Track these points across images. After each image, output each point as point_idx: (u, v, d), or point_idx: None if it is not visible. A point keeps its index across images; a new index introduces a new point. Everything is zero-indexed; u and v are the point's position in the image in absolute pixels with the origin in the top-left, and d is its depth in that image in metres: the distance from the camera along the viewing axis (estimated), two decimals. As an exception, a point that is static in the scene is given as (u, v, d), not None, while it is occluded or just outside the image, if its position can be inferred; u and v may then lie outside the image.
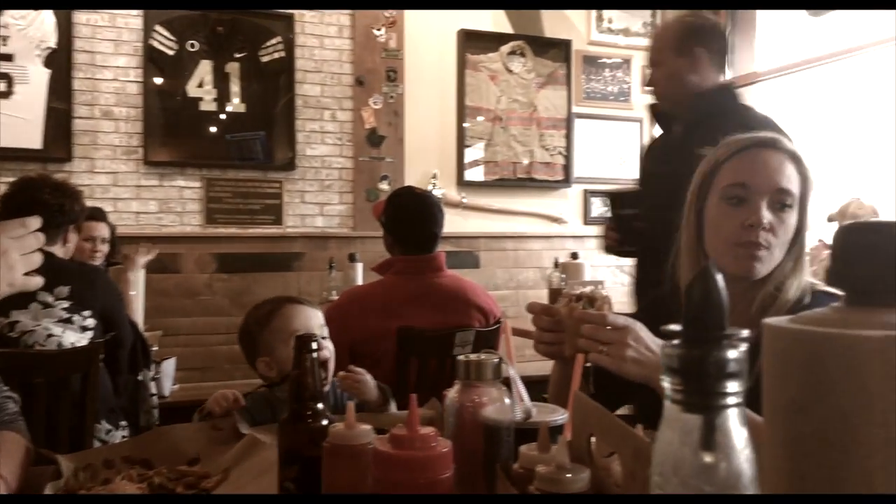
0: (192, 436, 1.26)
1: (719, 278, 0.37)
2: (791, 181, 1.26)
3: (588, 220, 5.01)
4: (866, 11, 3.98)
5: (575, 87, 4.92)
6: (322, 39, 4.37)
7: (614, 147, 5.08)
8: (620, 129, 5.09)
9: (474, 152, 4.69)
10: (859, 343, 0.38)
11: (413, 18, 4.53)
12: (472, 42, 4.64)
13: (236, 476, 1.11)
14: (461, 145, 4.64)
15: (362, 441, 0.84)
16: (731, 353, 0.36)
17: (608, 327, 1.17)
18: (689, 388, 0.37)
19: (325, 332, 1.71)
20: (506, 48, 4.72)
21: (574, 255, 4.28)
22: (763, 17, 5.16)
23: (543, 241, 4.81)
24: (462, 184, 4.66)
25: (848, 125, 4.52)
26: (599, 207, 5.06)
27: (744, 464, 0.36)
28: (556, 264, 4.16)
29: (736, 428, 0.36)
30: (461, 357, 0.91)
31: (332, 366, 1.65)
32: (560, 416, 0.94)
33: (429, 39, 4.59)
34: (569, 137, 4.88)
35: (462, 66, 4.62)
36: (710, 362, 0.36)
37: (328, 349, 1.65)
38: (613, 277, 4.98)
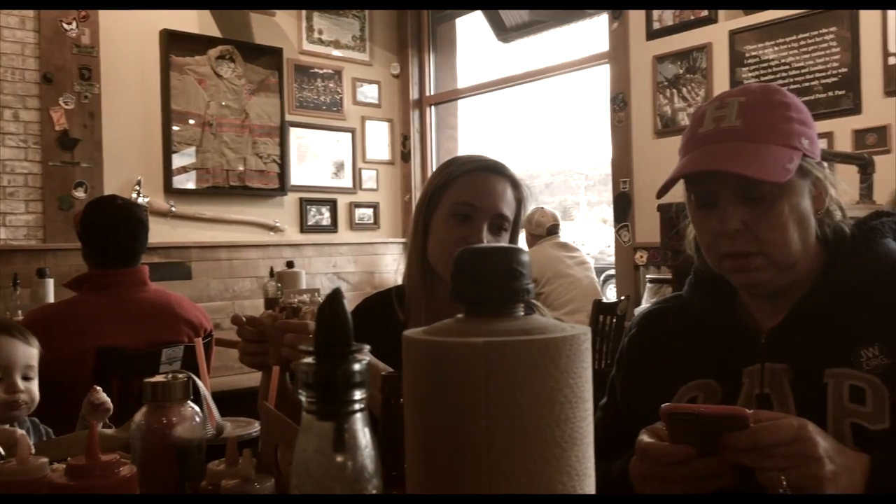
0: None
1: (344, 300, 0.42)
2: (509, 206, 1.39)
3: (305, 228, 5.05)
4: (579, 36, 4.44)
5: (288, 96, 4.93)
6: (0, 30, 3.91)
7: (329, 156, 5.18)
8: (335, 138, 5.20)
9: (183, 158, 4.49)
10: (467, 348, 0.46)
11: (109, 15, 4.22)
12: (176, 43, 4.44)
13: None
14: (168, 151, 4.42)
15: (35, 476, 0.79)
16: (356, 366, 0.42)
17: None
18: (322, 399, 0.42)
19: (33, 370, 1.55)
20: (214, 52, 4.59)
21: (290, 264, 4.29)
22: (462, 38, 5.60)
23: (259, 250, 4.76)
24: (170, 191, 4.44)
25: (545, 138, 5.04)
26: (315, 215, 5.12)
27: (367, 460, 0.41)
28: (273, 273, 4.13)
29: (361, 430, 0.42)
30: (147, 379, 0.89)
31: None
32: (255, 428, 0.96)
33: (128, 38, 4.31)
34: (283, 145, 4.87)
35: (166, 67, 4.41)
36: (338, 375, 0.41)
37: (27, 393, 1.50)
38: (331, 284, 5.08)
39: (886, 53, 3.40)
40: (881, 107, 3.41)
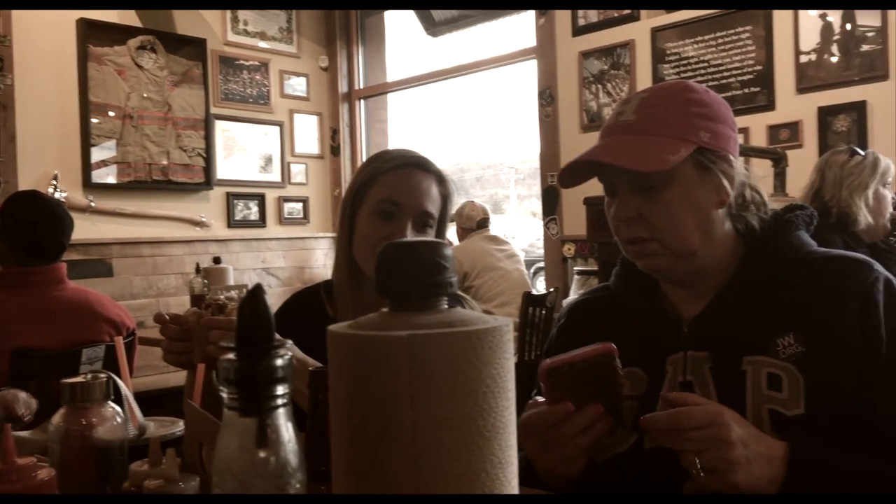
0: None
1: (265, 295, 0.42)
2: (434, 203, 1.39)
3: (232, 223, 4.95)
4: (507, 32, 4.46)
5: (212, 88, 4.82)
6: None
7: (257, 150, 5.09)
8: (262, 132, 5.11)
9: (102, 152, 4.34)
10: (391, 341, 0.47)
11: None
12: (94, 33, 4.29)
13: None
14: (86, 144, 4.26)
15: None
16: (279, 362, 0.42)
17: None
18: (244, 395, 0.41)
19: None
20: (134, 42, 4.45)
21: (217, 260, 4.20)
22: (391, 31, 5.57)
23: (185, 246, 4.64)
24: (89, 186, 4.29)
25: (475, 132, 5.07)
26: (242, 210, 5.03)
27: (290, 455, 0.42)
28: (199, 269, 4.04)
29: (284, 425, 0.42)
30: (65, 380, 0.87)
31: None
32: (179, 428, 0.94)
33: (43, 27, 4.14)
34: (208, 139, 4.76)
35: (84, 58, 4.25)
36: (260, 370, 0.41)
37: None
38: (259, 279, 5.00)
39: (798, 52, 3.55)
40: (793, 103, 3.56)
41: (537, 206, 4.73)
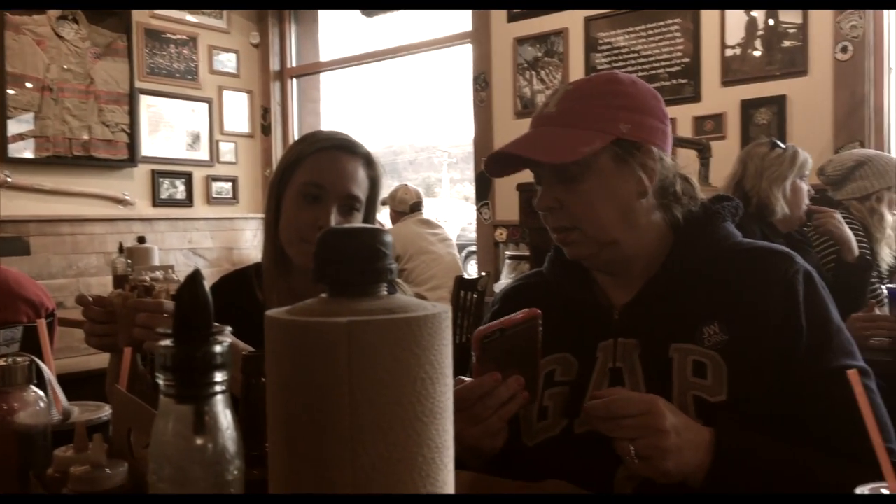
0: None
1: (204, 280, 0.42)
2: (361, 186, 1.37)
3: (157, 201, 4.82)
4: (443, 15, 4.44)
5: (138, 61, 4.66)
6: None
7: (184, 127, 4.95)
8: (190, 108, 4.98)
9: (19, 125, 4.15)
10: (330, 328, 0.47)
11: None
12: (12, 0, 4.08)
13: None
14: (2, 117, 4.07)
15: None
16: (217, 349, 0.42)
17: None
18: (181, 382, 0.41)
19: None
20: (54, 11, 4.26)
21: (141, 239, 4.08)
22: (325, 10, 5.48)
23: (107, 225, 4.50)
24: (5, 161, 4.10)
25: (409, 115, 5.05)
26: (168, 188, 4.89)
27: (228, 442, 0.41)
28: (122, 249, 3.92)
29: (222, 412, 0.42)
30: (-17, 364, 0.83)
31: None
32: (105, 412, 0.91)
33: (-46, -10, 3.92)
34: (133, 114, 4.61)
35: (0, 26, 4.04)
36: (198, 357, 0.41)
37: None
38: (186, 260, 4.89)
39: (724, 46, 3.66)
40: (719, 95, 3.67)
41: (470, 190, 4.77)
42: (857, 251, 2.53)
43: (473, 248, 5.72)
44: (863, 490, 0.72)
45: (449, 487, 0.50)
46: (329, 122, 5.75)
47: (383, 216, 4.63)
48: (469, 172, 4.73)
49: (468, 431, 0.96)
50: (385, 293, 0.52)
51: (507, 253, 4.33)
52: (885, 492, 0.73)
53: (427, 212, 4.65)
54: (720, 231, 1.13)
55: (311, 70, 5.57)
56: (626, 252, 1.11)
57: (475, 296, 3.89)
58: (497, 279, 4.19)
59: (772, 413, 1.03)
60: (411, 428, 0.48)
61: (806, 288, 1.06)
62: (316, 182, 1.34)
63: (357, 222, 1.37)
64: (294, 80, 5.54)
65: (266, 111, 5.42)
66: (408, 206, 4.36)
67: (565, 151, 1.04)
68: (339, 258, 0.50)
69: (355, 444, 0.47)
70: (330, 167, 1.35)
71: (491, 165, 1.14)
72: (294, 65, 5.52)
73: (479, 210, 4.56)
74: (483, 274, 4.13)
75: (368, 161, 1.40)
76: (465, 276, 4.05)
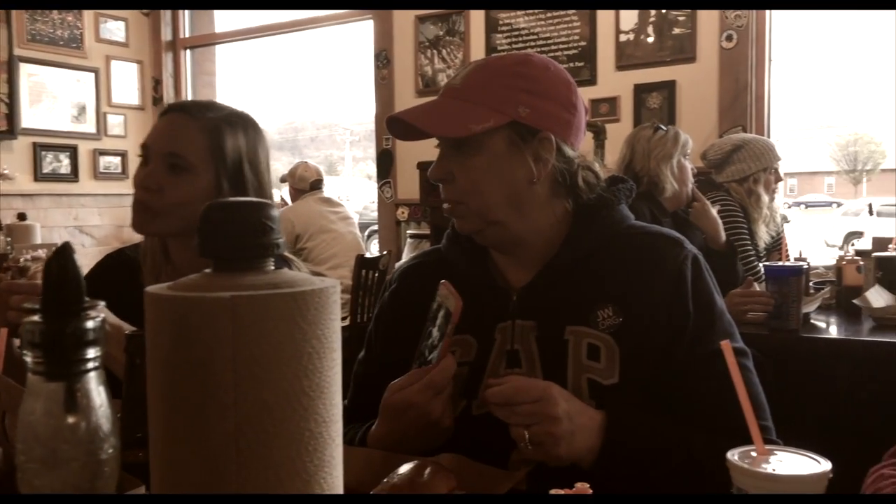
0: None
1: (74, 254, 0.40)
2: (190, 146, 1.30)
3: (39, 176, 4.55)
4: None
5: (17, 27, 4.37)
6: None
7: (69, 97, 4.69)
8: (75, 78, 4.72)
9: None
10: (213, 303, 0.46)
11: None
12: None
13: None
14: None
15: None
16: (89, 324, 0.40)
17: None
18: (51, 359, 0.39)
19: None
20: (-81, -32, 3.93)
21: (22, 216, 3.86)
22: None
23: (-17, 200, 4.22)
24: None
25: (310, 91, 4.95)
26: (52, 163, 4.63)
27: (102, 420, 0.40)
28: (1, 227, 3.69)
29: (95, 389, 0.40)
30: None
31: None
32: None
33: None
34: (11, 83, 4.33)
35: None
36: (68, 333, 0.39)
37: None
38: (72, 238, 4.65)
39: (618, 31, 3.77)
40: (613, 79, 3.79)
41: (373, 168, 4.74)
42: (722, 238, 2.67)
43: (375, 227, 5.71)
44: (733, 454, 0.77)
45: (337, 462, 0.51)
46: (225, 95, 5.58)
47: (283, 193, 4.54)
48: (371, 150, 4.70)
49: (439, 411, 0.99)
50: (272, 268, 0.51)
51: (408, 232, 4.34)
52: (754, 454, 0.78)
53: (329, 190, 4.59)
54: (615, 215, 1.14)
55: (205, 41, 5.38)
56: (515, 234, 1.11)
57: (377, 275, 3.88)
58: (399, 258, 4.20)
59: (660, 395, 1.06)
60: (297, 402, 0.48)
61: (694, 273, 1.10)
62: (144, 143, 1.34)
63: (189, 183, 1.30)
64: (187, 52, 5.34)
65: (157, 83, 5.20)
66: (308, 184, 4.29)
67: (456, 126, 1.05)
68: (222, 232, 0.49)
69: (239, 420, 0.46)
70: (156, 128, 1.35)
71: (393, 128, 1.13)
72: (187, 35, 5.31)
73: (380, 188, 4.54)
74: (384, 253, 4.13)
75: (211, 124, 1.33)
76: (367, 256, 4.04)
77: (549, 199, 1.12)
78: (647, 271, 1.09)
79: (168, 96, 5.23)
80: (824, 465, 0.73)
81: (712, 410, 1.01)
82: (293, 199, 4.35)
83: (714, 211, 2.68)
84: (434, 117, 1.08)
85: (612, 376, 1.05)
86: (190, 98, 5.32)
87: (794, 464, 0.75)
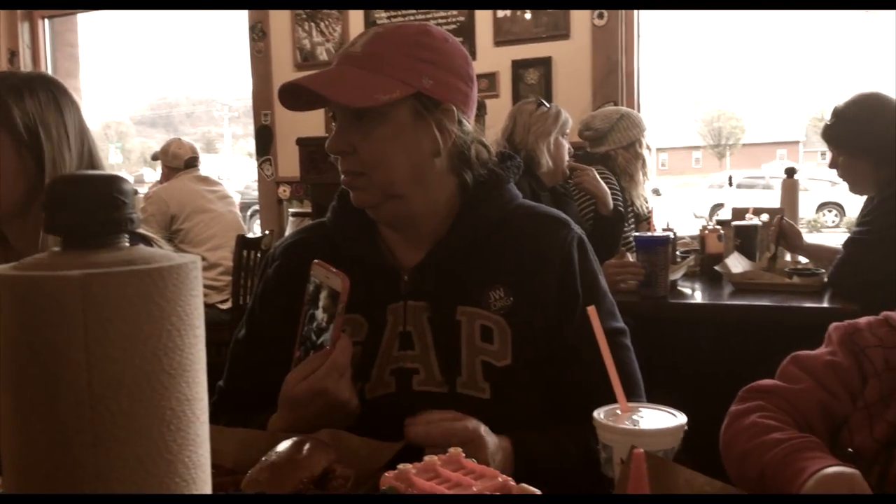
0: None
1: None
2: None
3: None
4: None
5: None
6: None
7: None
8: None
9: None
10: (61, 281, 0.44)
11: None
12: None
13: None
14: None
15: None
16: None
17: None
18: None
19: None
20: None
21: None
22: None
23: None
24: None
25: (184, 65, 4.75)
26: None
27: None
28: None
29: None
30: None
31: None
32: None
33: None
34: None
35: None
36: None
37: None
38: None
39: (496, 7, 3.81)
40: (492, 55, 3.83)
41: (254, 146, 4.61)
42: (611, 205, 2.79)
43: (258, 206, 5.57)
44: (599, 412, 0.82)
45: (202, 440, 0.50)
46: (89, 69, 5.26)
47: (156, 174, 4.35)
48: (252, 127, 4.56)
49: (354, 393, 0.99)
50: (126, 245, 0.49)
51: (290, 210, 4.26)
52: (619, 412, 0.82)
53: (208, 169, 4.43)
54: (505, 194, 1.14)
55: (65, 11, 5.04)
56: (412, 209, 1.10)
57: (259, 255, 3.80)
58: (282, 237, 4.12)
59: (551, 375, 1.09)
60: (157, 382, 0.46)
61: (580, 254, 1.12)
62: None
63: None
64: (46, 21, 4.99)
65: (13, 54, 4.84)
66: (182, 162, 4.13)
67: (363, 96, 1.02)
68: (71, 207, 0.47)
69: (94, 402, 0.44)
70: None
71: (286, 98, 1.08)
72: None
73: (260, 166, 4.43)
74: (267, 233, 4.04)
75: (17, 88, 1.24)
76: (249, 236, 3.94)
77: (446, 173, 1.11)
78: (536, 253, 1.10)
79: (26, 69, 4.87)
80: (680, 419, 0.79)
81: (600, 388, 1.05)
82: (166, 179, 4.18)
83: (595, 172, 2.79)
84: (338, 86, 1.03)
85: (505, 358, 1.06)
86: (50, 70, 4.99)
87: (653, 419, 0.80)
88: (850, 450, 0.81)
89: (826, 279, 2.26)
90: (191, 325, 0.49)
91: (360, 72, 1.05)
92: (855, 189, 2.38)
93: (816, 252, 2.55)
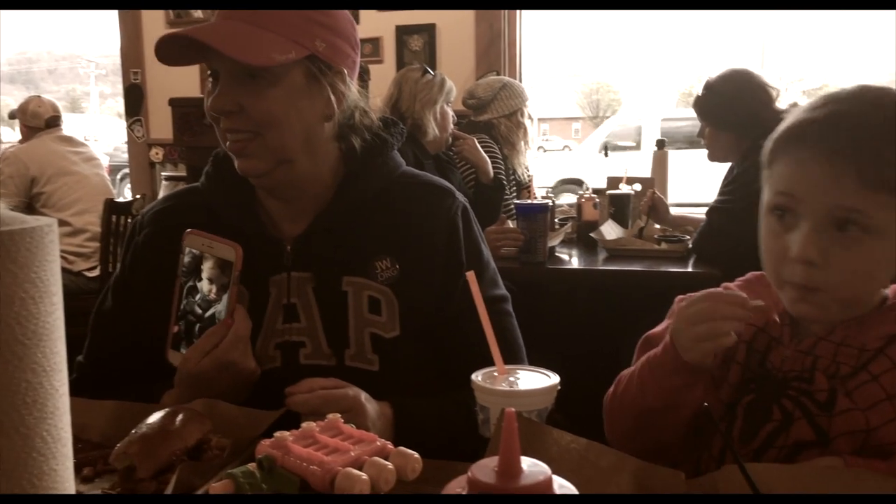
0: None
1: None
2: None
3: None
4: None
5: None
6: None
7: None
8: None
9: None
10: None
11: None
12: None
13: None
14: None
15: None
16: None
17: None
18: None
19: None
20: None
21: None
22: None
23: None
24: None
25: (46, 17, 4.41)
26: None
27: None
28: None
29: None
30: None
31: None
32: None
33: None
34: None
35: None
36: None
37: None
38: None
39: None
40: (375, 20, 3.78)
41: (122, 106, 4.37)
42: (491, 174, 2.84)
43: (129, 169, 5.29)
44: (476, 375, 0.83)
45: (62, 413, 0.47)
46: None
47: (13, 134, 4.04)
48: (122, 86, 4.31)
49: (255, 362, 0.98)
50: (-29, 207, 0.46)
51: (163, 174, 4.08)
52: (496, 375, 0.84)
53: (73, 129, 4.16)
54: (390, 162, 1.13)
55: None
56: (300, 175, 1.07)
57: (129, 221, 3.62)
58: (154, 202, 3.94)
59: (438, 345, 1.09)
60: (10, 351, 0.44)
61: (465, 224, 1.13)
62: None
63: None
64: None
65: None
66: (43, 121, 3.84)
67: (259, 54, 0.97)
68: None
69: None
70: None
71: (164, 50, 1.01)
72: None
73: (130, 127, 4.20)
74: (138, 197, 3.85)
75: None
76: (119, 200, 3.73)
77: (333, 139, 1.09)
78: (421, 223, 1.10)
79: None
80: (553, 379, 0.82)
81: (483, 353, 1.06)
82: (26, 139, 3.89)
83: (476, 142, 2.83)
84: (230, 40, 0.97)
85: (393, 329, 1.06)
86: None
87: (528, 380, 0.82)
88: (706, 404, 0.86)
89: (691, 245, 2.39)
90: (47, 293, 0.46)
91: (252, 28, 0.99)
92: (713, 157, 2.52)
93: (681, 222, 2.69)
